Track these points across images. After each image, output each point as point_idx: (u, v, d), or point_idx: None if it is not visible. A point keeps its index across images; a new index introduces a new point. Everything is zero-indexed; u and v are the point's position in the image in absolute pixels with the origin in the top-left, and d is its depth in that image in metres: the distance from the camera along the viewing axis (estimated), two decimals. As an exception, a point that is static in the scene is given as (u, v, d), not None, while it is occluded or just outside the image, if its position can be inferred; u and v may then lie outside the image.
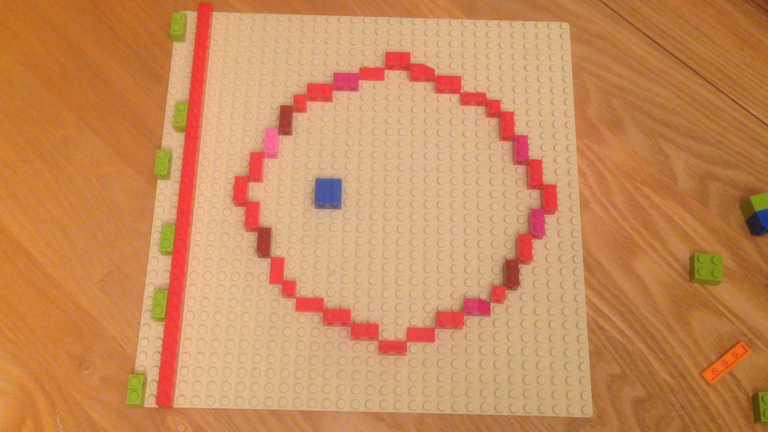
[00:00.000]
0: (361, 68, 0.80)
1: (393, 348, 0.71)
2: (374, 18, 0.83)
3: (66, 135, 0.78)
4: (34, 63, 0.80)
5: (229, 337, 0.72)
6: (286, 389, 0.70)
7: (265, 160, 0.77)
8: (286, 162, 0.77)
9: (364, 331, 0.71)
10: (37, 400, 0.70)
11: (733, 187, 0.78)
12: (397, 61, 0.80)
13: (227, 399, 0.70)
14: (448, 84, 0.79)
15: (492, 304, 0.73)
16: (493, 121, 0.79)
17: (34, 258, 0.74)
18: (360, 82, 0.80)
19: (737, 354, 0.72)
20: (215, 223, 0.75)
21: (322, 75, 0.80)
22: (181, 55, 0.81)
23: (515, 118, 0.79)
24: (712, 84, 0.82)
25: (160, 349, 0.71)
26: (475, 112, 0.79)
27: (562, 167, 0.78)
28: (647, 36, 0.84)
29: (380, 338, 0.72)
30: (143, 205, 0.76)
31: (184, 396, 0.70)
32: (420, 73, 0.80)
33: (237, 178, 0.75)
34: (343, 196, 0.76)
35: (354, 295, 0.73)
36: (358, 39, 0.82)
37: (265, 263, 0.74)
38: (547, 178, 0.77)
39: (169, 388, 0.69)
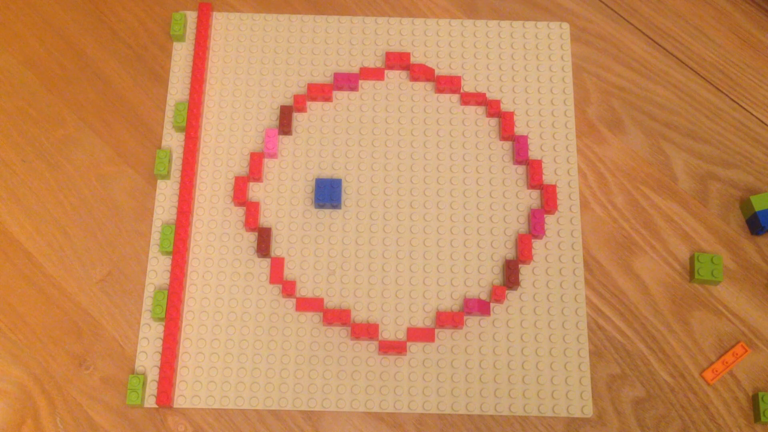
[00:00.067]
0: (361, 68, 0.80)
1: (393, 348, 0.71)
2: (374, 18, 0.83)
3: (66, 135, 0.78)
4: (34, 63, 0.80)
5: (229, 337, 0.72)
6: (286, 389, 0.70)
7: (265, 160, 0.77)
8: (286, 162, 0.77)
9: (364, 331, 0.71)
10: (37, 400, 0.70)
11: (733, 187, 0.78)
12: (397, 61, 0.80)
13: (227, 399, 0.70)
14: (448, 84, 0.79)
15: (492, 304, 0.73)
16: (493, 121, 0.79)
17: (34, 258, 0.74)
18: (360, 82, 0.80)
19: (737, 354, 0.72)
20: (215, 223, 0.75)
21: (322, 75, 0.80)
22: (181, 55, 0.81)
23: (515, 118, 0.79)
24: (712, 84, 0.82)
25: (160, 349, 0.71)
26: (475, 112, 0.79)
27: (562, 167, 0.78)
28: (647, 36, 0.84)
29: (380, 338, 0.72)
30: (143, 205, 0.76)
31: (184, 396, 0.70)
32: (420, 73, 0.80)
33: (237, 178, 0.75)
34: (343, 196, 0.76)
35: (354, 295, 0.73)
36: (358, 39, 0.82)
37: (265, 263, 0.74)
38: (547, 178, 0.77)
39: (169, 388, 0.69)
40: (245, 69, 0.80)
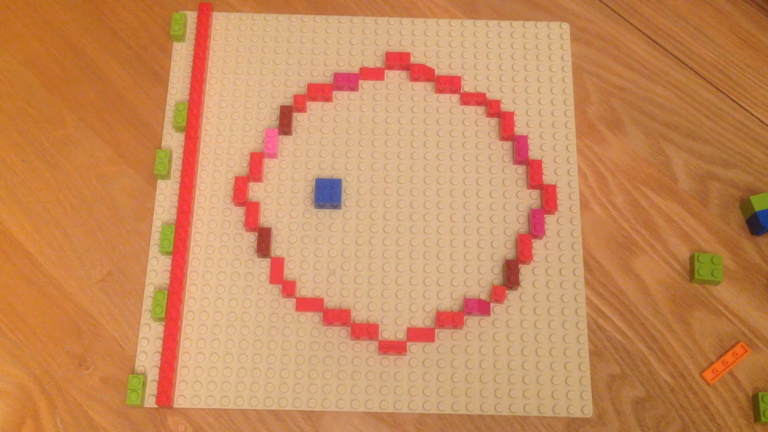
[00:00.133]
0: (361, 68, 0.80)
1: (393, 348, 0.71)
2: (374, 18, 0.83)
3: (66, 135, 0.78)
4: (34, 63, 0.80)
5: (229, 337, 0.72)
6: (286, 389, 0.70)
7: (265, 160, 0.77)
8: (286, 162, 0.77)
9: (364, 331, 0.71)
10: (37, 400, 0.70)
11: (733, 187, 0.78)
12: (397, 61, 0.80)
13: (227, 399, 0.70)
14: (448, 84, 0.79)
15: (492, 304, 0.73)
16: (493, 121, 0.79)
17: (34, 258, 0.74)
18: (360, 82, 0.80)
19: (737, 354, 0.72)
20: (215, 223, 0.75)
21: (322, 75, 0.80)
22: (181, 55, 0.81)
23: (515, 118, 0.79)
24: (712, 84, 0.82)
25: (160, 349, 0.71)
26: (475, 112, 0.79)
27: (562, 167, 0.78)
28: (647, 36, 0.84)
29: (380, 338, 0.72)
30: (143, 205, 0.76)
31: (184, 396, 0.70)
32: (420, 73, 0.80)
33: (237, 178, 0.75)
34: (343, 196, 0.76)
35: (354, 295, 0.73)
36: (358, 39, 0.82)
37: (265, 263, 0.74)
38: (547, 178, 0.77)
39: (169, 388, 0.69)
40: (245, 69, 0.80)
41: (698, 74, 0.82)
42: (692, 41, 0.83)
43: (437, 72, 0.81)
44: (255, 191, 0.76)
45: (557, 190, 0.77)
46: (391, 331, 0.72)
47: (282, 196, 0.76)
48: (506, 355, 0.72)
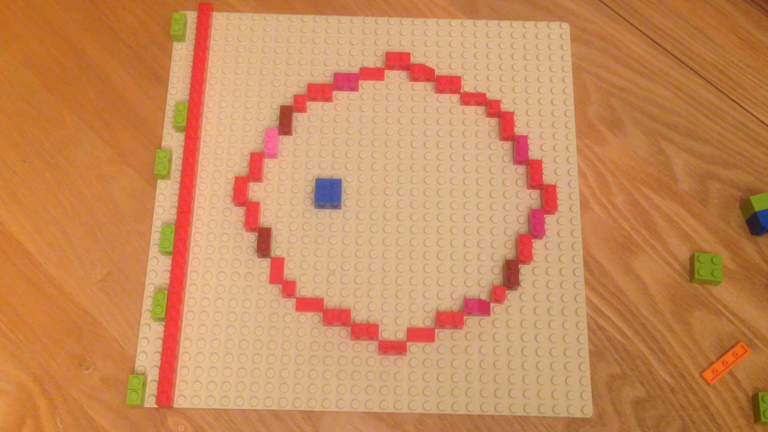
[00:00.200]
0: (361, 68, 0.80)
1: (393, 348, 0.71)
2: (374, 18, 0.83)
3: (66, 135, 0.78)
4: (34, 63, 0.80)
5: (229, 337, 0.72)
6: (286, 389, 0.70)
7: (265, 160, 0.77)
8: (286, 162, 0.77)
9: (364, 331, 0.71)
10: (37, 400, 0.70)
11: (733, 187, 0.78)
12: (397, 61, 0.80)
13: (227, 399, 0.70)
14: (448, 84, 0.79)
15: (492, 304, 0.73)
16: (493, 121, 0.79)
17: (34, 258, 0.74)
18: (360, 82, 0.80)
19: (737, 354, 0.72)
20: (215, 223, 0.75)
21: (322, 75, 0.80)
22: (181, 55, 0.81)
23: (515, 118, 0.79)
24: (712, 84, 0.82)
25: (160, 349, 0.71)
26: (475, 112, 0.79)
27: (562, 167, 0.78)
28: (647, 36, 0.84)
29: (380, 338, 0.72)
30: (143, 205, 0.76)
31: (184, 396, 0.70)
32: (420, 73, 0.80)
33: (237, 178, 0.75)
34: (343, 196, 0.76)
35: (354, 295, 0.73)
36: (358, 39, 0.82)
37: (265, 263, 0.74)
38: (547, 178, 0.77)
39: (169, 388, 0.69)
40: (245, 69, 0.80)
41: (698, 74, 0.82)
42: (692, 41, 0.83)
43: (437, 72, 0.81)
44: (255, 191, 0.76)
45: (557, 190, 0.77)
46: (391, 331, 0.72)
47: (282, 196, 0.76)
48: (506, 355, 0.72)
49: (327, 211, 0.76)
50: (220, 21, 0.82)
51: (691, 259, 0.75)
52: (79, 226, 0.75)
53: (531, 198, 0.77)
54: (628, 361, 0.72)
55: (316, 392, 0.70)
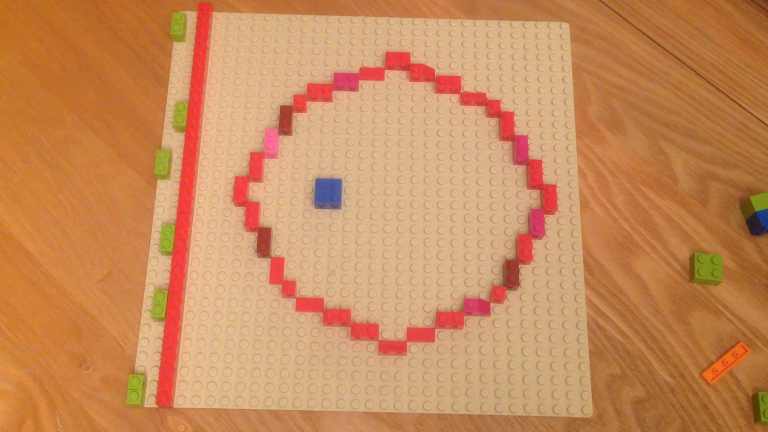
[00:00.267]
0: (361, 68, 0.80)
1: (393, 348, 0.71)
2: (374, 18, 0.83)
3: (66, 135, 0.78)
4: (34, 63, 0.80)
5: (229, 337, 0.72)
6: (286, 389, 0.70)
7: (265, 160, 0.77)
8: (286, 162, 0.77)
9: (364, 331, 0.71)
10: (37, 400, 0.70)
11: (733, 187, 0.78)
12: (397, 61, 0.80)
13: (227, 399, 0.70)
14: (448, 84, 0.79)
15: (492, 304, 0.73)
16: (493, 121, 0.79)
17: (34, 258, 0.74)
18: (360, 82, 0.80)
19: (737, 354, 0.72)
20: (215, 223, 0.75)
21: (322, 75, 0.80)
22: (181, 55, 0.81)
23: (515, 118, 0.79)
24: (712, 84, 0.82)
25: (160, 349, 0.71)
26: (475, 112, 0.79)
27: (562, 167, 0.78)
28: (647, 36, 0.84)
29: (380, 338, 0.72)
30: (143, 205, 0.76)
31: (184, 396, 0.70)
32: (420, 73, 0.80)
33: (237, 178, 0.75)
34: (343, 196, 0.76)
35: (354, 295, 0.73)
36: (358, 39, 0.82)
37: (265, 263, 0.74)
38: (547, 178, 0.77)
39: (169, 388, 0.69)
40: (245, 69, 0.80)
41: (698, 74, 0.82)
42: (692, 41, 0.83)
43: (437, 72, 0.81)
44: (255, 191, 0.76)
45: (557, 190, 0.77)
46: (391, 331, 0.72)
47: (282, 196, 0.76)
48: (506, 355, 0.72)
49: (327, 211, 0.76)
50: (220, 21, 0.82)
51: (691, 259, 0.75)
52: (79, 226, 0.75)
53: (531, 198, 0.77)
54: (628, 361, 0.72)
55: (316, 392, 0.70)
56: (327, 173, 0.77)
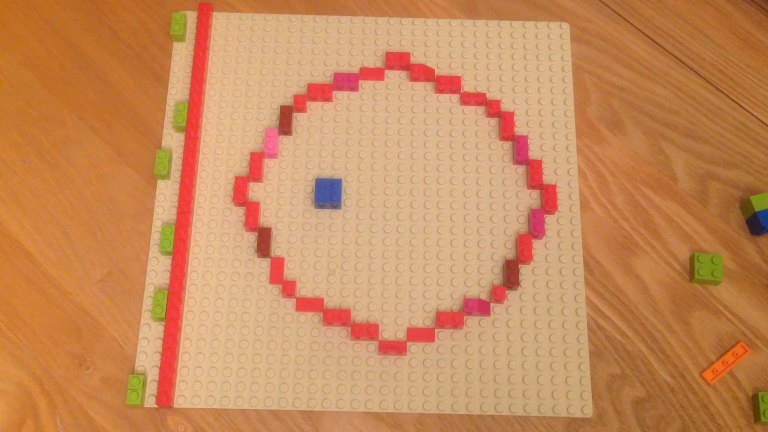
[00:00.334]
0: (361, 68, 0.80)
1: (393, 348, 0.71)
2: (374, 18, 0.83)
3: (66, 135, 0.78)
4: (34, 63, 0.80)
5: (229, 337, 0.72)
6: (286, 389, 0.70)
7: (265, 160, 0.77)
8: (286, 162, 0.77)
9: (364, 331, 0.71)
10: (37, 400, 0.70)
11: (733, 187, 0.78)
12: (397, 61, 0.80)
13: (227, 399, 0.70)
14: (448, 84, 0.79)
15: (492, 304, 0.73)
16: (493, 121, 0.79)
17: (34, 258, 0.74)
18: (360, 82, 0.80)
19: (737, 354, 0.72)
20: (215, 223, 0.75)
21: (322, 75, 0.80)
22: (181, 55, 0.81)
23: (515, 118, 0.79)
24: (712, 84, 0.82)
25: (160, 349, 0.71)
26: (475, 112, 0.79)
27: (562, 167, 0.78)
28: (647, 36, 0.84)
29: (380, 338, 0.72)
30: (143, 205, 0.76)
31: (184, 396, 0.70)
32: (420, 73, 0.80)
33: (237, 178, 0.75)
34: (343, 196, 0.76)
35: (354, 295, 0.73)
36: (358, 39, 0.82)
37: (265, 263, 0.74)
38: (547, 178, 0.77)
39: (169, 388, 0.69)
40: (245, 69, 0.80)
41: (698, 74, 0.82)
42: (692, 41, 0.83)
43: (437, 72, 0.81)
44: (255, 191, 0.76)
45: (557, 190, 0.77)
46: (391, 331, 0.72)
47: (282, 196, 0.76)
48: (506, 355, 0.72)
49: (327, 211, 0.76)
50: (220, 21, 0.82)
51: (691, 259, 0.75)
52: (79, 226, 0.75)
53: (531, 198, 0.77)
54: (628, 361, 0.72)
55: (316, 392, 0.70)
56: (327, 173, 0.77)
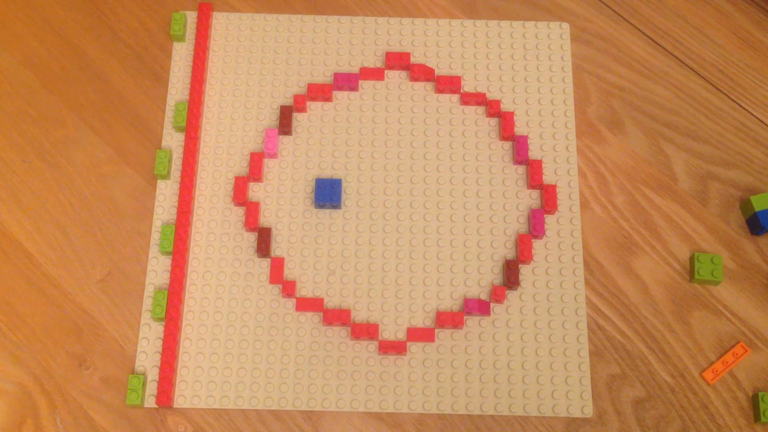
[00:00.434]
0: (361, 68, 0.80)
1: (393, 348, 0.71)
2: (374, 18, 0.83)
3: (66, 135, 0.78)
4: (34, 63, 0.80)
5: (229, 337, 0.72)
6: (286, 389, 0.70)
7: (265, 160, 0.77)
8: (286, 162, 0.77)
9: (364, 331, 0.71)
10: (37, 400, 0.70)
11: (733, 187, 0.78)
12: (397, 61, 0.80)
13: (227, 399, 0.70)
14: (448, 84, 0.79)
15: (492, 304, 0.73)
16: (493, 121, 0.79)
17: (34, 258, 0.74)
18: (360, 82, 0.80)
19: (737, 354, 0.72)
20: (215, 223, 0.75)
21: (322, 75, 0.80)
22: (181, 55, 0.81)
23: (515, 118, 0.79)
24: (712, 84, 0.82)
25: (160, 349, 0.71)
26: (475, 112, 0.79)
27: (562, 167, 0.78)
28: (647, 36, 0.84)
29: (380, 338, 0.72)
30: (143, 205, 0.76)
31: (184, 396, 0.70)
32: (420, 73, 0.80)
33: (237, 178, 0.75)
34: (343, 196, 0.76)
35: (354, 295, 0.73)
36: (358, 39, 0.82)
37: (265, 263, 0.74)
38: (547, 178, 0.77)
39: (169, 388, 0.69)
40: (245, 69, 0.80)
41: (698, 74, 0.82)
42: (692, 41, 0.83)
43: (437, 72, 0.81)
44: (255, 191, 0.76)
45: (557, 190, 0.77)
46: (391, 331, 0.72)
47: (282, 196, 0.76)
48: (506, 355, 0.72)
49: (327, 211, 0.76)
50: (220, 21, 0.82)
51: (691, 259, 0.75)
52: (79, 226, 0.75)
53: (531, 198, 0.77)
54: (628, 361, 0.72)
55: (316, 392, 0.70)
56: (327, 173, 0.77)
